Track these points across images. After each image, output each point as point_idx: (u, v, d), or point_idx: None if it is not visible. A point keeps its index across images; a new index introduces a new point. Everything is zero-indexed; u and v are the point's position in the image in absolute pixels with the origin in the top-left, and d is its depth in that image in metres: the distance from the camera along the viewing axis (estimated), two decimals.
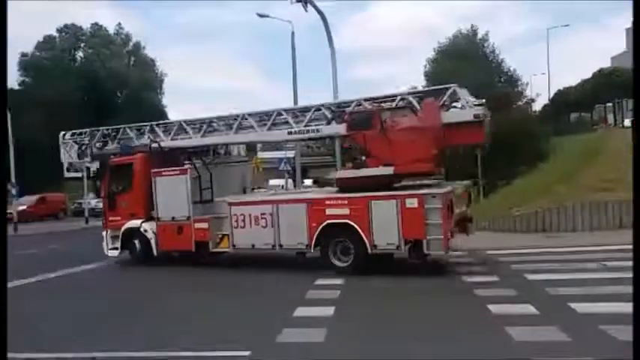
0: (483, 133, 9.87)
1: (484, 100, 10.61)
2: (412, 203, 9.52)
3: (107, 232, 13.28)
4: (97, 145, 14.00)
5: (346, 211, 10.12)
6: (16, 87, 52.66)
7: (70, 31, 55.07)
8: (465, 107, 10.01)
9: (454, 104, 10.37)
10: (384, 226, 9.73)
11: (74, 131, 14.73)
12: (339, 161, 16.36)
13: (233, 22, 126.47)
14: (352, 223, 10.01)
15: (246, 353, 5.82)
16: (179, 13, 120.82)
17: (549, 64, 58.98)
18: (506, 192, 20.08)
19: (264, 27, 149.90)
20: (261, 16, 23.76)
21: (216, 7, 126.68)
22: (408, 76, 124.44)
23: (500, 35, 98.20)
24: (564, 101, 60.54)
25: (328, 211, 10.29)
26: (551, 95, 54.16)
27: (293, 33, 22.69)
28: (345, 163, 15.24)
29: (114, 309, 8.63)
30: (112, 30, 57.37)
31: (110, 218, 13.29)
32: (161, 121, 13.81)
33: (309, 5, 15.90)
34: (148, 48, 60.06)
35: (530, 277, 9.01)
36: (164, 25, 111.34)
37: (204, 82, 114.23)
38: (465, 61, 25.71)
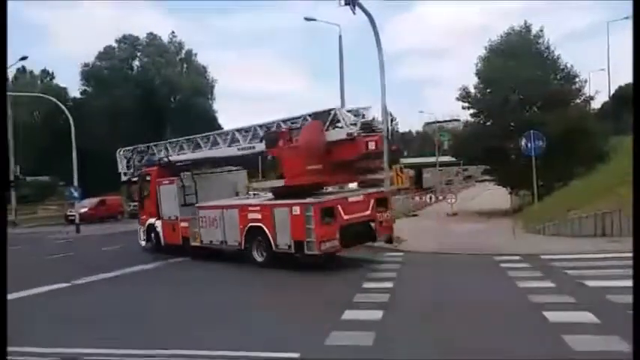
0: (360, 148, 11.26)
1: (372, 119, 11.91)
2: (296, 211, 11.22)
3: (140, 227, 16.93)
4: (137, 159, 17.30)
5: (259, 216, 12.08)
6: (78, 96, 55.56)
7: (127, 41, 57.35)
8: (343, 127, 11.47)
9: (337, 124, 11.72)
10: (282, 229, 11.50)
11: (125, 148, 18.15)
12: (386, 163, 16.12)
13: (280, 25, 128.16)
14: (263, 226, 11.88)
15: (296, 355, 5.87)
16: (226, 18, 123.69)
17: (609, 59, 56.02)
18: (562, 194, 19.28)
19: (311, 28, 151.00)
20: (308, 19, 23.99)
21: (263, 10, 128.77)
22: (456, 75, 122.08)
23: (556, 31, 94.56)
24: (626, 98, 57.29)
25: (250, 216, 12.32)
26: (612, 92, 51.40)
27: (340, 37, 22.82)
28: (391, 164, 16.32)
29: (152, 309, 8.94)
30: (165, 39, 59.37)
31: (141, 217, 16.85)
32: (173, 139, 16.93)
33: (356, 7, 15.81)
34: (199, 54, 61.82)
35: (590, 283, 8.60)
36: (212, 30, 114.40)
37: (252, 85, 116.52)
38: (517, 58, 24.83)
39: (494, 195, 34.36)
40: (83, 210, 31.57)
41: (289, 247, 11.40)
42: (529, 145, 16.68)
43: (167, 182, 15.26)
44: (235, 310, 8.48)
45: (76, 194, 28.41)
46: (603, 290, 7.91)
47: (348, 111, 12.22)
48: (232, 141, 14.22)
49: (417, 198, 35.82)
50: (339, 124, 11.67)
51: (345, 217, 11.38)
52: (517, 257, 11.55)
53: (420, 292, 9.06)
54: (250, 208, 12.44)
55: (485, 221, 21.47)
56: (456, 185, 63.71)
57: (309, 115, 12.37)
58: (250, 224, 12.21)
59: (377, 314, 7.37)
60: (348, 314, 7.44)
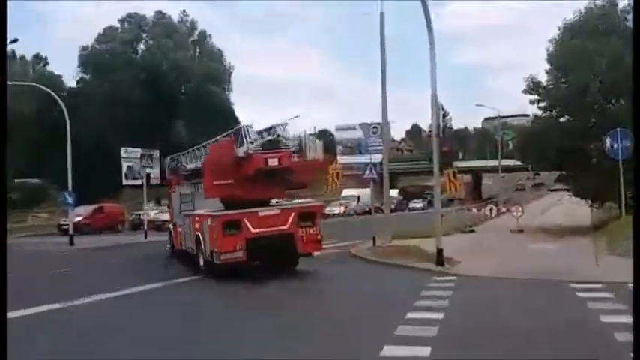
0: (258, 163, 13.65)
1: (277, 136, 14.11)
2: (209, 222, 14.12)
3: (169, 227, 20.89)
4: (171, 165, 20.54)
5: (198, 225, 15.27)
6: (74, 85, 57.04)
7: (133, 20, 58.45)
8: (244, 145, 13.89)
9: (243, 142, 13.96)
10: (206, 238, 14.34)
11: (171, 156, 21.22)
12: (436, 166, 15.98)
13: (309, 8, 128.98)
14: (199, 235, 14.98)
15: None
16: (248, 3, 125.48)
17: None
18: None
19: (347, 10, 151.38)
20: None
21: None
22: (522, 61, 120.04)
23: None
24: None
25: (195, 225, 15.55)
26: None
27: (382, 13, 22.58)
28: (442, 168, 17.08)
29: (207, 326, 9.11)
30: (175, 18, 60.22)
31: (169, 222, 21.06)
32: (198, 146, 19.32)
33: None
34: (215, 40, 62.39)
35: None
36: (232, 16, 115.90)
37: (274, 72, 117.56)
38: (600, 39, 24.23)
39: (571, 208, 33.62)
40: (78, 219, 32.31)
41: (209, 254, 14.06)
42: (615, 146, 16.33)
43: (171, 191, 19.07)
44: (283, 321, 9.18)
45: (70, 200, 28.77)
46: None
47: (268, 129, 14.36)
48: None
49: (475, 210, 35.44)
50: (244, 142, 13.92)
51: (254, 230, 13.49)
52: (599, 285, 11.27)
53: (475, 325, 8.91)
54: (196, 219, 15.56)
55: (558, 240, 21.02)
56: (525, 195, 62.53)
57: (229, 134, 15.49)
58: (196, 232, 15.39)
59: (425, 350, 7.31)
60: (388, 350, 7.40)
